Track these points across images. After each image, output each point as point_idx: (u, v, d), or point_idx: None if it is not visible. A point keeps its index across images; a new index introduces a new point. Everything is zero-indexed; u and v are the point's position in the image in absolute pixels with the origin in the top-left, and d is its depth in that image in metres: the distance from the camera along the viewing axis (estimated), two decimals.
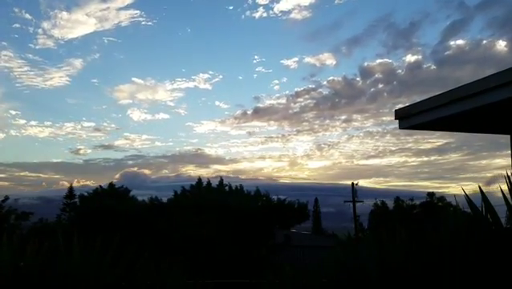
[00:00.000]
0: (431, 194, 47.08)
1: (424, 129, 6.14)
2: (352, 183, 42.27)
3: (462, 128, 6.24)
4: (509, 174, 3.63)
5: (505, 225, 3.75)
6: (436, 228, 3.83)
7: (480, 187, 3.70)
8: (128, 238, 4.01)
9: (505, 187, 3.63)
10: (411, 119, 5.55)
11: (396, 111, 5.74)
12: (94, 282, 3.68)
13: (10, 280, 3.57)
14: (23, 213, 31.00)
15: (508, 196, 3.59)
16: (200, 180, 30.90)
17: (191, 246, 22.54)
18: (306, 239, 35.21)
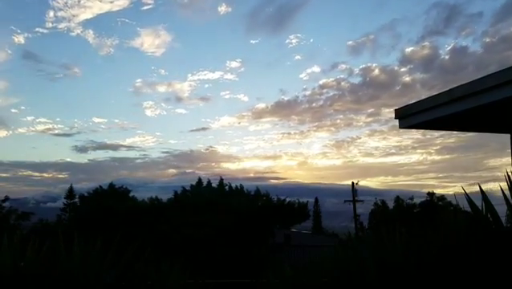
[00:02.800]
0: (431, 194, 47.05)
1: (424, 128, 6.14)
2: (352, 182, 42.24)
3: (462, 127, 6.23)
4: (510, 173, 3.63)
5: (505, 224, 3.75)
6: (436, 227, 3.83)
7: (480, 186, 3.70)
8: (128, 238, 4.01)
9: (505, 186, 3.63)
10: (411, 118, 5.54)
11: (395, 110, 5.73)
12: (94, 282, 3.68)
13: (11, 280, 3.58)
14: (24, 214, 31.05)
15: (508, 195, 3.59)
16: (200, 180, 30.92)
17: (191, 245, 22.53)
18: (306, 239, 35.21)
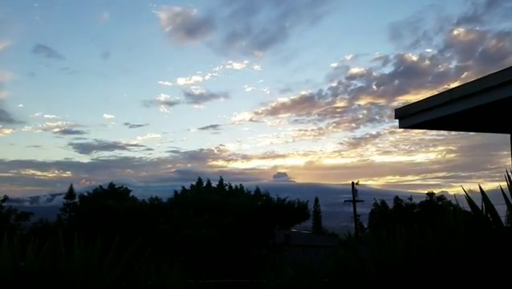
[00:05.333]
0: (431, 194, 47.02)
1: (424, 128, 6.14)
2: (352, 182, 42.24)
3: (462, 127, 6.24)
4: (509, 173, 3.63)
5: (505, 224, 3.75)
6: (436, 228, 3.83)
7: (480, 186, 3.70)
8: (128, 238, 4.01)
9: (505, 185, 3.63)
10: (411, 118, 5.55)
11: (395, 110, 5.74)
12: (94, 283, 3.68)
13: (11, 280, 3.58)
14: (23, 214, 31.04)
15: (508, 195, 3.59)
16: (200, 179, 30.88)
17: (191, 245, 22.54)
18: (306, 239, 35.20)
